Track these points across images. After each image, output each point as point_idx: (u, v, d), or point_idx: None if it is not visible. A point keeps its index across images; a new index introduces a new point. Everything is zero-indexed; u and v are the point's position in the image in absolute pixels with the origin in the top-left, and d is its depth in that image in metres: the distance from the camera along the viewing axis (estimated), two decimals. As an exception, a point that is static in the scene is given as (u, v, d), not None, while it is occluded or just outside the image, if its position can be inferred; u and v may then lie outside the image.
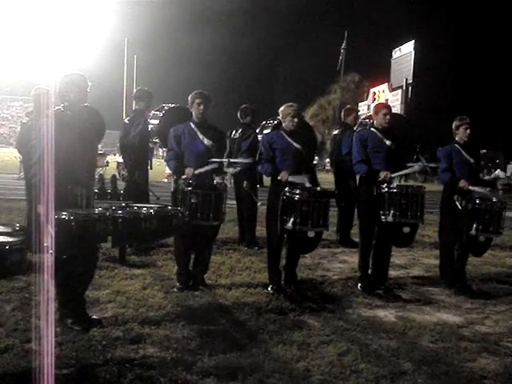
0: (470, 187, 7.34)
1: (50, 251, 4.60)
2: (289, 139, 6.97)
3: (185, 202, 6.50)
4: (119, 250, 7.91)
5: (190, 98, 7.00)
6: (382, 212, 6.99)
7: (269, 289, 6.93)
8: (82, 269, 5.47)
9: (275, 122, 10.34)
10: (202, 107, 6.92)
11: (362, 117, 16.75)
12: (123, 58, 62.92)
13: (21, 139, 9.32)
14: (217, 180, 7.02)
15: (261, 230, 9.82)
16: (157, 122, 9.45)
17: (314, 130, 12.37)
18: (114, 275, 7.26)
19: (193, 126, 6.96)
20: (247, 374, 4.56)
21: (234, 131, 9.96)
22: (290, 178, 6.74)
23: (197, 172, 6.67)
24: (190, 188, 6.52)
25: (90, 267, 5.67)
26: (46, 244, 4.67)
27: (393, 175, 7.06)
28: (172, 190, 6.96)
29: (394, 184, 7.05)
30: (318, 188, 6.88)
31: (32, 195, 5.30)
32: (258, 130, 10.39)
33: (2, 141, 66.12)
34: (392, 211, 6.94)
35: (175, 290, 6.80)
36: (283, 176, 6.74)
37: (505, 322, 6.32)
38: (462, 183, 7.35)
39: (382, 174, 7.01)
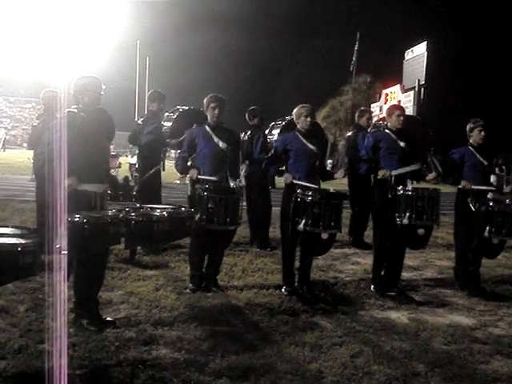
0: (474, 186, 7.34)
1: (63, 252, 4.62)
2: (304, 141, 6.98)
3: (202, 207, 6.48)
4: (130, 250, 7.94)
5: (205, 101, 7.02)
6: (397, 214, 6.97)
7: (283, 290, 6.93)
8: (95, 270, 5.51)
9: (284, 123, 10.34)
10: (216, 111, 6.94)
11: (375, 118, 16.72)
12: (135, 60, 63.14)
13: (31, 140, 9.37)
14: (233, 183, 7.03)
15: (273, 231, 9.84)
16: (170, 124, 9.47)
17: (323, 131, 12.37)
18: (127, 276, 7.28)
19: (208, 129, 6.97)
20: (259, 374, 4.56)
21: (242, 133, 9.98)
22: (299, 182, 6.77)
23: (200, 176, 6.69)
24: (206, 192, 6.53)
25: (102, 268, 5.71)
26: (58, 245, 4.69)
27: (393, 173, 7.04)
28: (189, 193, 7.00)
29: (410, 186, 7.03)
30: (331, 189, 6.88)
31: (42, 196, 5.32)
32: (266, 131, 10.39)
33: (15, 142, 66.39)
34: (408, 213, 6.91)
35: (188, 291, 6.81)
36: (287, 178, 6.78)
37: (518, 325, 6.29)
38: (463, 183, 7.36)
39: (381, 173, 7.03)
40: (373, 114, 12.94)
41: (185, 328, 5.52)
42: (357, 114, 10.97)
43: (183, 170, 7.27)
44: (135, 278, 7.22)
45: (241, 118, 10.32)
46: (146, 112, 9.49)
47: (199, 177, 6.79)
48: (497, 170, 21.36)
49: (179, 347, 5.04)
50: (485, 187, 7.45)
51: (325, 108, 51.50)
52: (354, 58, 52.02)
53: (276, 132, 10.37)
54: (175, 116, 9.70)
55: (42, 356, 4.61)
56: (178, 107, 10.17)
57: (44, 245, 4.62)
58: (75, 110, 5.54)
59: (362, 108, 12.01)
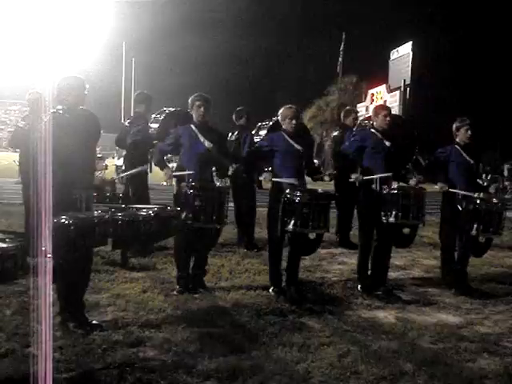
0: (451, 189, 7.40)
1: (49, 255, 4.59)
2: (290, 141, 6.98)
3: (188, 205, 6.49)
4: (121, 253, 7.91)
5: (190, 100, 7.02)
6: (383, 213, 7.01)
7: (270, 291, 6.93)
8: (80, 273, 5.48)
9: (271, 123, 10.34)
10: (202, 109, 6.94)
11: (361, 118, 16.76)
12: (121, 61, 62.86)
13: (13, 140, 9.32)
14: (219, 182, 7.03)
15: (260, 232, 9.84)
16: (157, 125, 9.44)
17: (309, 132, 12.37)
18: (114, 279, 7.26)
19: (193, 128, 6.96)
20: (247, 376, 4.55)
21: (230, 133, 9.98)
22: (283, 181, 6.79)
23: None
24: (192, 190, 6.52)
25: (87, 270, 5.68)
26: (43, 247, 4.66)
27: (365, 178, 7.08)
28: (174, 192, 6.95)
29: (395, 185, 7.05)
30: (320, 190, 6.90)
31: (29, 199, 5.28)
32: (253, 132, 10.39)
33: (1, 145, 65.93)
34: (394, 212, 6.95)
35: (175, 292, 6.80)
36: (265, 178, 6.81)
37: (504, 322, 6.32)
38: (440, 185, 7.42)
39: (354, 176, 7.13)
40: (359, 114, 12.95)
41: (172, 330, 5.50)
42: (342, 114, 11.00)
43: (160, 163, 7.12)
44: (122, 281, 7.19)
45: (228, 119, 10.33)
46: (132, 114, 9.46)
47: (176, 173, 6.81)
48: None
49: (167, 349, 5.03)
50: (463, 192, 7.47)
51: (311, 108, 51.68)
52: (339, 59, 52.16)
53: (263, 132, 10.36)
54: (162, 117, 9.67)
55: (29, 360, 4.58)
56: (165, 109, 10.14)
57: (29, 248, 4.59)
58: (60, 111, 5.51)
59: (348, 108, 12.04)
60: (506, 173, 31.11)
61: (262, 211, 8.96)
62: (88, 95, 5.70)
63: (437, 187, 7.56)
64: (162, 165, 7.07)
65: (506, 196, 26.63)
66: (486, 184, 8.17)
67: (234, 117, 10.07)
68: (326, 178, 7.47)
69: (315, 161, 11.95)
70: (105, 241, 5.45)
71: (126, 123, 9.12)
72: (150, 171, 9.33)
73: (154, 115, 9.81)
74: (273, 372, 4.66)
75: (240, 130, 9.86)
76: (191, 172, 6.76)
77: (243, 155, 9.19)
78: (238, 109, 10.16)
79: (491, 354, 5.30)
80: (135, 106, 9.19)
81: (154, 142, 8.85)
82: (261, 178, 6.88)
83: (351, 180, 7.17)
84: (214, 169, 7.31)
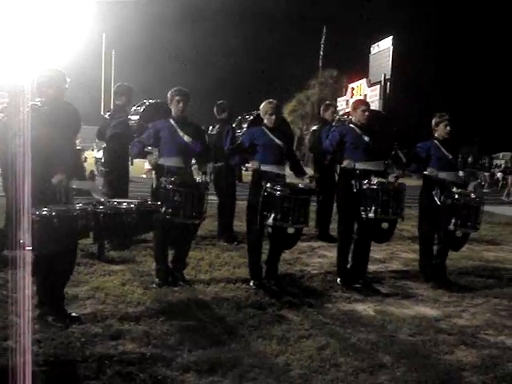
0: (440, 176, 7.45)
1: (28, 248, 4.57)
2: (271, 135, 6.97)
3: (167, 200, 6.46)
4: (98, 246, 7.87)
5: (169, 95, 6.98)
6: (362, 208, 7.03)
7: (251, 284, 6.94)
8: (62, 265, 5.45)
9: (252, 117, 10.34)
10: (181, 104, 6.91)
11: (341, 112, 16.80)
12: (101, 54, 62.35)
13: None
14: (199, 177, 7.01)
15: (239, 226, 9.84)
16: (137, 117, 9.39)
17: (290, 126, 12.38)
18: (93, 271, 7.23)
19: (172, 122, 6.94)
20: (227, 368, 4.56)
21: (210, 127, 9.96)
22: (265, 168, 6.78)
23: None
24: (172, 186, 6.50)
25: (70, 263, 5.65)
26: (21, 240, 4.63)
27: (357, 166, 7.09)
28: (154, 186, 6.90)
29: (375, 180, 7.07)
30: (300, 185, 6.91)
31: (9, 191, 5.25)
32: (235, 125, 10.38)
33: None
34: (373, 207, 6.97)
35: (154, 285, 6.78)
36: (253, 164, 6.78)
37: (482, 315, 6.38)
38: (429, 170, 7.46)
39: (346, 162, 7.12)
40: (339, 108, 13.01)
41: (151, 323, 5.50)
42: (322, 108, 11.00)
43: (140, 154, 7.05)
44: (101, 273, 7.17)
45: (208, 112, 10.30)
46: (112, 106, 9.40)
47: (160, 163, 6.78)
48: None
49: (146, 342, 5.02)
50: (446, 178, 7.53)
51: (291, 102, 51.69)
52: (320, 53, 52.20)
53: (245, 126, 10.35)
54: (142, 110, 9.64)
55: (7, 353, 4.55)
56: (145, 101, 10.10)
57: (9, 241, 4.57)
58: (39, 104, 5.47)
59: (328, 102, 12.08)
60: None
61: (241, 205, 8.96)
62: (68, 88, 5.65)
63: (418, 181, 7.58)
64: (144, 153, 7.00)
65: (484, 190, 26.92)
66: (463, 176, 8.21)
67: (215, 110, 10.05)
68: (307, 180, 7.46)
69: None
70: (87, 233, 5.44)
71: (107, 115, 9.07)
72: (131, 164, 9.27)
73: (134, 107, 9.77)
74: (252, 365, 4.66)
75: (221, 123, 9.84)
76: (172, 165, 6.75)
77: (225, 150, 9.17)
78: (219, 102, 10.13)
79: (469, 346, 5.36)
80: (116, 98, 9.11)
81: (134, 134, 8.81)
82: (248, 165, 6.84)
83: (343, 166, 7.15)
84: (193, 163, 7.30)
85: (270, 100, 7.14)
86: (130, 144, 7.25)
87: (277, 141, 6.98)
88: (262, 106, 7.12)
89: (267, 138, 6.97)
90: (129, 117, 9.13)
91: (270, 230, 6.74)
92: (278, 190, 6.55)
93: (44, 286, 5.44)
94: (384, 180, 7.20)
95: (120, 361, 4.61)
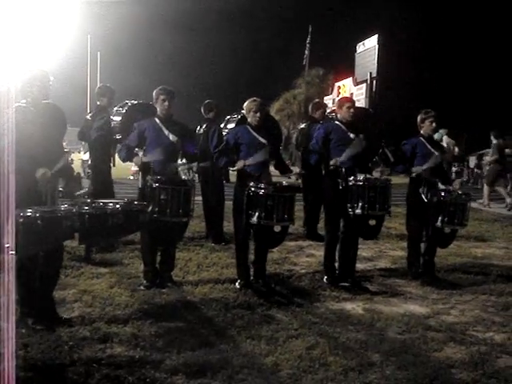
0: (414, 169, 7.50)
1: (11, 252, 4.51)
2: (254, 134, 6.96)
3: (154, 199, 6.43)
4: (85, 248, 7.83)
5: (154, 93, 6.96)
6: (349, 205, 7.03)
7: (237, 284, 6.91)
8: (48, 267, 5.41)
9: (239, 117, 10.33)
10: (166, 103, 6.89)
11: (328, 111, 16.79)
12: (86, 55, 62.14)
13: None
14: (184, 176, 6.99)
15: (227, 226, 9.82)
16: (119, 118, 9.35)
17: (278, 124, 12.34)
18: (80, 274, 7.19)
19: (158, 121, 6.92)
20: (216, 370, 4.55)
21: (198, 127, 9.93)
22: (249, 162, 6.79)
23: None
24: (158, 184, 6.47)
25: (56, 265, 5.62)
26: (7, 245, 4.58)
27: (339, 159, 7.09)
28: (140, 185, 6.87)
29: (361, 177, 7.07)
30: (284, 182, 6.90)
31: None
32: (222, 125, 10.36)
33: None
34: (360, 204, 6.97)
35: (142, 287, 6.75)
36: (239, 164, 6.77)
37: (470, 312, 6.39)
38: (415, 169, 7.45)
39: (333, 161, 7.11)
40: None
41: (140, 325, 5.47)
42: (311, 107, 10.91)
43: (128, 157, 6.98)
44: (88, 276, 7.13)
45: (193, 113, 10.27)
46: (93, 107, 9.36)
47: (145, 162, 6.76)
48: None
49: (134, 345, 4.99)
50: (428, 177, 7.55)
51: (278, 101, 51.62)
52: (306, 52, 52.20)
53: (231, 126, 10.35)
54: (124, 110, 9.60)
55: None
56: (127, 101, 10.06)
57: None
58: (24, 105, 5.42)
59: (317, 101, 12.00)
60: (472, 164, 31.37)
61: (229, 204, 8.93)
62: (53, 89, 5.62)
63: (405, 179, 7.59)
64: (131, 157, 6.97)
65: (469, 185, 27.01)
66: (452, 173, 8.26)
67: (202, 110, 10.02)
68: (293, 178, 7.44)
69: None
70: (72, 235, 5.40)
71: (88, 116, 9.02)
72: (113, 165, 9.22)
73: (116, 108, 9.73)
74: (241, 365, 4.65)
75: (208, 123, 9.82)
76: (157, 164, 6.73)
77: (212, 149, 9.14)
78: (206, 102, 10.11)
79: (458, 343, 5.37)
80: (97, 99, 9.07)
81: (117, 135, 8.78)
82: (236, 166, 6.83)
83: (331, 163, 7.14)
84: (179, 162, 7.27)
85: (254, 98, 7.13)
86: (112, 144, 7.21)
87: (261, 139, 6.96)
88: (245, 105, 7.11)
89: (251, 136, 6.95)
90: (111, 117, 9.09)
91: (254, 228, 6.71)
92: (262, 189, 6.53)
93: (26, 289, 5.37)
94: (370, 176, 7.20)
95: (108, 364, 4.58)
